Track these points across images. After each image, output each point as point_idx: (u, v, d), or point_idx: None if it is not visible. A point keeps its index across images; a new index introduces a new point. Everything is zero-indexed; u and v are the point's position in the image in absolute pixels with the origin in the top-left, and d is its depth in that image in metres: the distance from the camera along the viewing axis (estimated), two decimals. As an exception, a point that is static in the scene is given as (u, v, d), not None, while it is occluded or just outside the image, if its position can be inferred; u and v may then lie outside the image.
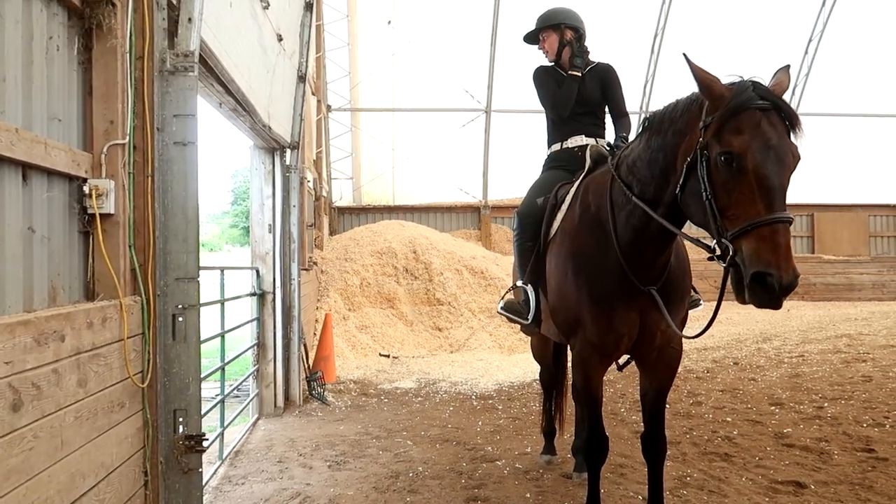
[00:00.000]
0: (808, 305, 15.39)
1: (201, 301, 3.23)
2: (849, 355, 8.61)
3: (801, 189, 17.41)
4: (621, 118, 4.31)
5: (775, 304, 2.36)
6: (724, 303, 2.73)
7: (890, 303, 15.94)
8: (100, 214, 2.66)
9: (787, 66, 2.76)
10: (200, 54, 3.34)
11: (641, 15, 15.64)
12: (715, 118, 2.55)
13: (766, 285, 2.33)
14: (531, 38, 4.54)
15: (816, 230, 17.99)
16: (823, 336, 10.19)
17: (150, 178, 2.91)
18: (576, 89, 4.24)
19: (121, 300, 2.69)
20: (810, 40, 16.49)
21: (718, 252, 2.53)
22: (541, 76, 4.42)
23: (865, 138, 17.45)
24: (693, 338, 3.07)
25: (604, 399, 3.70)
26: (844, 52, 16.36)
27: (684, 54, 2.62)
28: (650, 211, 2.96)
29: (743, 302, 2.44)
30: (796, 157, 2.50)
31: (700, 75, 2.60)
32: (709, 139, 2.56)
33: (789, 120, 2.52)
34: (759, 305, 2.40)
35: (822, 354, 8.81)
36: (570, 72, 4.27)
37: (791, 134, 2.52)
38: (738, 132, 2.47)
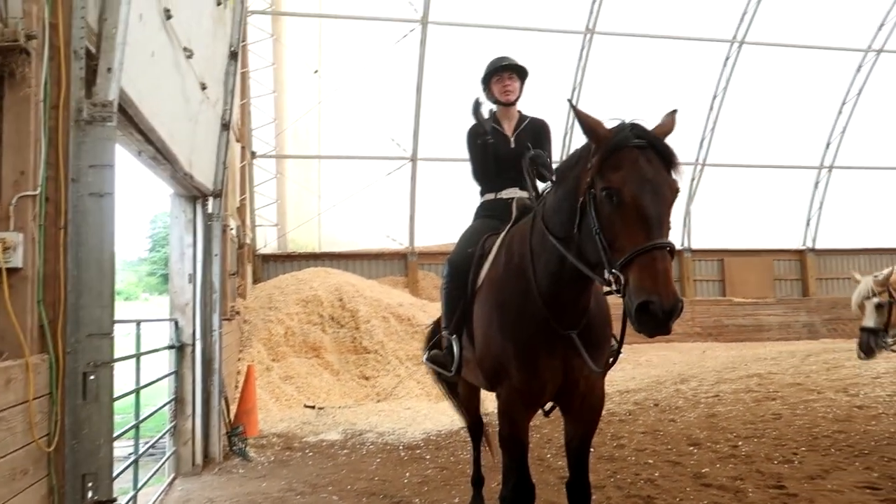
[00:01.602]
0: (722, 346, 16.07)
1: (115, 356, 3.10)
2: (760, 394, 9.02)
3: (711, 235, 18.49)
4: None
5: (662, 330, 2.45)
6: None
7: (795, 342, 16.86)
8: (6, 269, 2.54)
9: (674, 111, 2.94)
10: (120, 103, 3.28)
11: (560, 70, 16.37)
12: (597, 157, 2.72)
13: (649, 313, 2.44)
14: (490, 74, 4.40)
15: (726, 274, 18.96)
16: (736, 376, 10.64)
17: (62, 231, 2.81)
18: (491, 164, 4.31)
19: (27, 359, 2.55)
20: (714, 96, 17.65)
21: (613, 284, 2.63)
22: (470, 140, 4.42)
23: (769, 188, 18.68)
24: (606, 368, 3.24)
25: (530, 445, 3.73)
26: (748, 106, 17.60)
27: (570, 103, 2.80)
28: (562, 248, 3.03)
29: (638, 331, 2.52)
30: (674, 190, 2.67)
31: (584, 120, 2.78)
32: (594, 177, 2.73)
33: (665, 156, 2.69)
34: (648, 333, 2.49)
35: (735, 394, 9.19)
36: None
37: (669, 169, 2.69)
38: (617, 168, 2.64)
